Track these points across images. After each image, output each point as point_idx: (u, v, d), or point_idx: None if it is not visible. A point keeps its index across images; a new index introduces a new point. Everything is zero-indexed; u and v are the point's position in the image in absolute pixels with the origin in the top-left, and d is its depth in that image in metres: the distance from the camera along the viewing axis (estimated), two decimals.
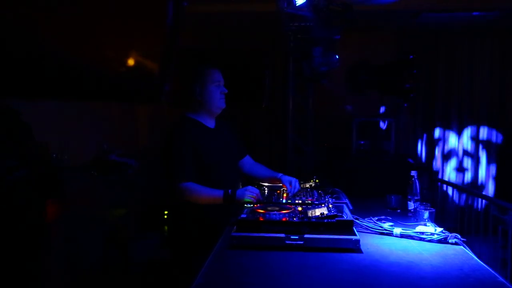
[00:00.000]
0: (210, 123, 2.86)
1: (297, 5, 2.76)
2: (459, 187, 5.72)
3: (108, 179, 3.55)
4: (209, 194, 2.62)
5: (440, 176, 6.29)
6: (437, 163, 6.41)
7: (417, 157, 6.42)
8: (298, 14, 3.56)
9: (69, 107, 4.11)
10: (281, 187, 2.87)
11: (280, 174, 2.91)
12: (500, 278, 1.88)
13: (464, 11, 5.24)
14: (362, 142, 5.81)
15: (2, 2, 0.79)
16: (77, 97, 1.06)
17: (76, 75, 0.98)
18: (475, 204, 5.99)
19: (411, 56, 4.99)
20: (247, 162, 3.12)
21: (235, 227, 2.27)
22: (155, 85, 1.08)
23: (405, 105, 5.44)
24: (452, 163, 6.36)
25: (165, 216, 5.02)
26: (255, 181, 3.00)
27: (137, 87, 1.09)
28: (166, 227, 4.86)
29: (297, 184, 2.80)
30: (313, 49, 3.32)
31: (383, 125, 5.36)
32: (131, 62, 1.05)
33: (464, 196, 5.84)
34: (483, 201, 4.76)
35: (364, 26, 6.07)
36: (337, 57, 3.34)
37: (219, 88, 2.78)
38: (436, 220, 2.63)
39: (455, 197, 6.21)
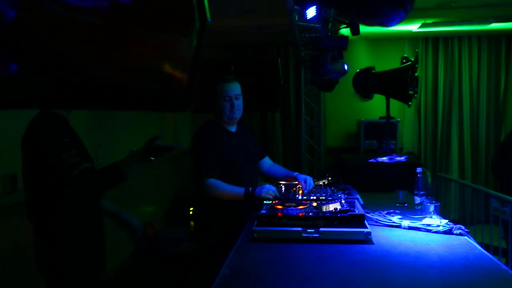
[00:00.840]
0: (231, 127, 2.87)
1: (307, 18, 2.75)
2: (461, 182, 5.64)
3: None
4: (231, 191, 2.63)
5: (443, 172, 6.21)
6: (441, 159, 6.34)
7: (421, 155, 6.35)
8: (309, 26, 3.56)
9: (100, 115, 4.15)
10: (296, 184, 2.86)
11: (296, 173, 2.90)
12: (503, 266, 1.85)
13: (462, 23, 5.20)
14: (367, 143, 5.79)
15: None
16: (108, 106, 1.07)
17: (106, 85, 0.98)
18: (477, 197, 5.91)
19: (410, 67, 4.92)
20: (266, 162, 3.12)
21: (256, 222, 2.27)
22: (184, 94, 1.08)
23: (409, 106, 5.38)
24: (454, 159, 6.27)
25: (191, 213, 5.04)
26: (273, 180, 2.99)
27: (167, 97, 1.09)
28: (192, 223, 4.87)
29: (311, 182, 2.79)
30: (323, 58, 3.31)
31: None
32: (161, 72, 1.05)
33: (465, 190, 5.76)
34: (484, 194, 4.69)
35: (370, 36, 6.05)
36: (346, 65, 3.32)
37: (229, 102, 2.75)
38: (441, 213, 2.60)
39: (458, 191, 6.13)
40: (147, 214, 4.95)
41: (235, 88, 2.78)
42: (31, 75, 0.89)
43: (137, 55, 0.97)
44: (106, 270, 2.36)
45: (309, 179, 2.78)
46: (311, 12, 2.65)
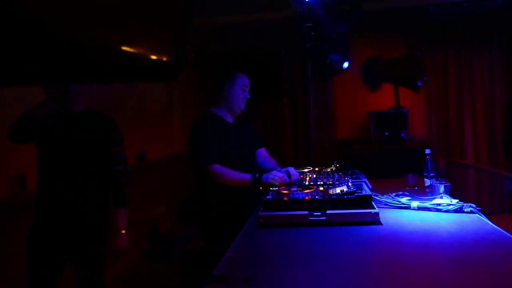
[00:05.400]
0: (229, 118, 2.87)
1: (306, 0, 2.73)
2: (474, 166, 5.55)
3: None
4: (238, 177, 2.62)
5: (455, 159, 6.11)
6: (454, 147, 6.24)
7: (434, 143, 6.26)
8: (310, 14, 3.54)
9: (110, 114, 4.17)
10: (304, 171, 2.84)
11: (278, 168, 2.85)
12: None
13: (469, 2, 5.11)
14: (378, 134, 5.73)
15: None
16: (96, 78, 1.06)
17: (94, 56, 0.97)
18: (491, 182, 5.80)
19: (418, 53, 4.87)
20: (261, 155, 3.09)
21: (261, 207, 2.25)
22: (173, 62, 1.07)
23: (418, 94, 5.32)
24: (469, 146, 6.17)
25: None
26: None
27: (155, 67, 1.08)
28: None
29: (293, 171, 2.71)
30: (325, 45, 3.28)
31: None
32: (149, 39, 1.03)
33: (479, 175, 5.67)
34: (498, 177, 4.60)
35: (375, 25, 5.98)
36: (347, 49, 3.29)
37: (244, 93, 2.83)
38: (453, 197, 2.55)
39: (471, 177, 6.03)
40: (160, 213, 4.96)
41: (248, 82, 2.86)
42: (16, 47, 0.88)
43: (121, 24, 0.96)
44: None
45: (291, 169, 2.71)
46: None
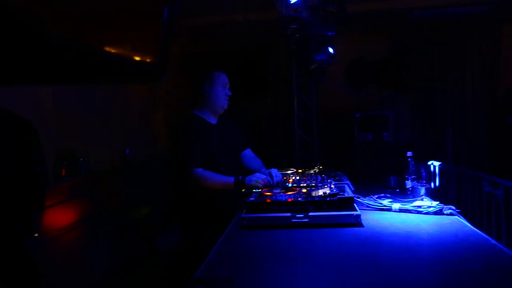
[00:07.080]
0: (213, 119, 2.86)
1: (291, 2, 2.75)
2: (454, 168, 5.62)
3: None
4: (221, 180, 2.62)
5: (438, 161, 6.18)
6: (437, 149, 6.31)
7: (415, 145, 6.33)
8: (296, 16, 3.55)
9: (93, 114, 4.15)
10: (287, 173, 2.85)
11: (262, 170, 2.88)
12: (493, 241, 1.85)
13: (453, 7, 5.19)
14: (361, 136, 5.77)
15: None
16: (79, 80, 1.05)
17: (75, 57, 0.96)
18: (472, 184, 5.88)
19: (403, 55, 4.93)
20: (247, 155, 3.09)
21: (244, 209, 2.26)
22: (157, 63, 1.06)
23: (402, 97, 5.38)
24: (450, 149, 6.25)
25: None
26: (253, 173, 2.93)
27: (138, 67, 1.07)
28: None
29: (276, 173, 2.72)
30: (310, 47, 3.30)
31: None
32: (131, 40, 1.03)
33: (460, 177, 5.72)
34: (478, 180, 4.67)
35: (360, 26, 6.03)
36: (332, 51, 3.32)
37: (225, 90, 2.82)
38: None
39: (452, 179, 6.10)
40: (144, 214, 4.93)
41: (229, 80, 2.85)
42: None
43: (105, 24, 0.95)
44: None
45: (274, 171, 2.73)
46: None
